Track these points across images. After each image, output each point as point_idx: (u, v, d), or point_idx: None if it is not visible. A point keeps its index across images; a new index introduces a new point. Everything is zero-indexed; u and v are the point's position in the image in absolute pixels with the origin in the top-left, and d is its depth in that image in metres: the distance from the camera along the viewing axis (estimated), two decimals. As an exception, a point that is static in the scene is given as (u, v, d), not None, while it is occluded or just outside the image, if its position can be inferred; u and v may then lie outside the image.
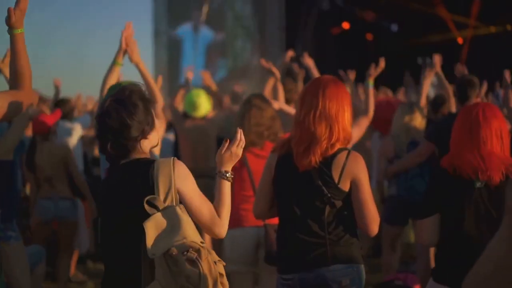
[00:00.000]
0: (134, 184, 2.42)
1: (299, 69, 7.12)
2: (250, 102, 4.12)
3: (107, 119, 2.44)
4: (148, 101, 2.52)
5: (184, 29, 18.80)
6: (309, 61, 6.17)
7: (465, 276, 2.93)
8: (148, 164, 2.41)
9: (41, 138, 5.44)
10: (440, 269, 3.02)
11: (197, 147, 6.14)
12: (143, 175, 2.39)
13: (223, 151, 2.55)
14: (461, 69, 5.73)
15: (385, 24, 15.01)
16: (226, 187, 2.57)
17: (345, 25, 14.87)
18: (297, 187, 2.94)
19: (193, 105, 6.26)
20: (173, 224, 2.30)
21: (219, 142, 6.70)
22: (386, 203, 5.62)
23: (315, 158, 2.87)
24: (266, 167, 3.11)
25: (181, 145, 6.38)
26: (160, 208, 2.33)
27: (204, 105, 6.28)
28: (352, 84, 6.91)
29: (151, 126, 2.50)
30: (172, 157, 2.45)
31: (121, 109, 2.44)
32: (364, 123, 4.46)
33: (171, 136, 7.40)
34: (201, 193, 2.49)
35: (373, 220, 2.90)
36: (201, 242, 2.31)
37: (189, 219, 2.36)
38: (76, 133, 6.71)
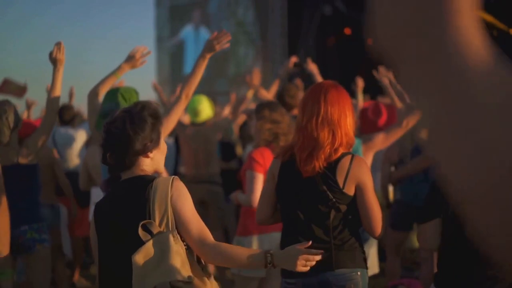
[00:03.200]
0: (130, 204, 2.40)
1: (300, 81, 7.18)
2: (273, 110, 4.10)
3: (112, 127, 2.44)
4: (157, 119, 2.49)
5: (186, 31, 18.84)
6: (312, 67, 6.18)
7: (466, 281, 2.92)
8: (146, 184, 2.38)
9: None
10: (442, 274, 3.02)
11: (199, 153, 6.15)
12: (140, 196, 2.37)
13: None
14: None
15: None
16: (256, 263, 2.40)
17: (347, 31, 14.89)
18: (301, 193, 2.95)
19: (194, 111, 6.27)
20: (162, 256, 2.27)
21: (223, 146, 6.72)
22: (391, 208, 5.62)
23: (319, 163, 2.88)
24: (269, 173, 3.12)
25: (182, 151, 6.39)
26: (154, 233, 2.30)
27: (205, 111, 6.30)
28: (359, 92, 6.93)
29: (155, 143, 2.47)
30: (172, 177, 2.41)
31: (127, 121, 2.43)
32: (396, 133, 4.23)
33: (170, 141, 7.40)
34: (197, 216, 2.41)
35: (378, 222, 2.92)
36: (188, 277, 2.27)
37: (180, 249, 2.30)
38: (81, 139, 6.72)
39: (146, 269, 2.26)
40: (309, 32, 14.87)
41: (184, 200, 2.36)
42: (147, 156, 2.47)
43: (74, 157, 6.33)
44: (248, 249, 2.39)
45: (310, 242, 2.29)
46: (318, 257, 2.28)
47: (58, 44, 3.99)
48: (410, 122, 4.12)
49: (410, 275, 6.01)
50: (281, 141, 4.02)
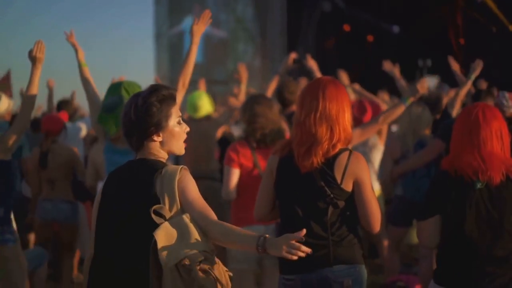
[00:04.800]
0: (138, 188, 2.41)
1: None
2: (255, 103, 4.17)
3: (123, 111, 2.48)
4: (165, 103, 2.45)
5: (187, 22, 18.86)
6: (312, 64, 6.18)
7: (466, 277, 2.93)
8: (153, 169, 2.40)
9: (51, 139, 5.46)
10: (441, 271, 3.02)
11: (198, 149, 6.14)
12: (148, 181, 2.38)
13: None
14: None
15: (386, 26, 15.04)
16: (248, 244, 2.35)
17: (346, 28, 14.89)
18: (299, 189, 2.95)
19: (194, 107, 6.27)
20: (183, 233, 2.29)
21: (223, 142, 6.73)
22: (391, 204, 5.61)
23: (317, 159, 2.88)
24: (267, 169, 3.12)
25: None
26: (167, 217, 2.32)
27: (205, 107, 6.29)
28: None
29: (159, 128, 2.44)
30: (181, 166, 2.41)
31: (133, 105, 2.44)
32: (371, 129, 4.23)
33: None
34: (201, 197, 2.42)
35: (377, 219, 2.92)
36: (211, 251, 2.32)
37: (197, 227, 2.33)
38: (80, 134, 6.72)
39: (169, 244, 2.28)
40: (309, 29, 14.87)
41: (189, 183, 2.39)
42: (152, 140, 2.46)
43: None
44: (247, 230, 2.38)
45: (305, 230, 2.29)
46: (307, 250, 2.28)
47: (39, 43, 3.94)
48: (386, 118, 4.14)
49: (409, 271, 6.02)
50: (257, 134, 4.05)
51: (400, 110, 4.18)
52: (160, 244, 2.27)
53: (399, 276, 5.47)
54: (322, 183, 2.88)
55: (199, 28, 3.93)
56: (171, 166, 2.42)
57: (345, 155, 2.90)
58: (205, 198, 5.65)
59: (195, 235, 2.30)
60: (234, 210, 4.22)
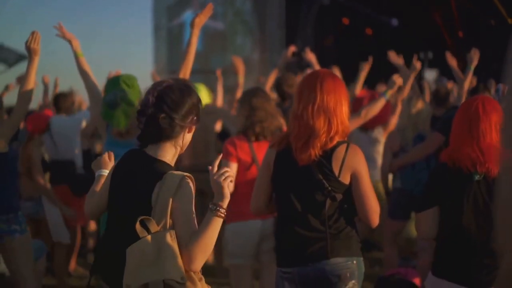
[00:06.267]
0: (138, 191, 2.40)
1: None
2: (253, 97, 4.17)
3: (149, 96, 2.45)
4: (172, 113, 2.43)
5: (187, 15, 18.86)
6: (311, 56, 6.17)
7: (463, 269, 2.93)
8: (158, 175, 2.36)
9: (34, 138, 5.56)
10: (439, 263, 3.02)
11: (197, 143, 6.12)
12: (148, 186, 2.35)
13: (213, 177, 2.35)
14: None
15: (385, 19, 15.02)
16: (216, 223, 2.31)
17: (345, 21, 14.86)
18: (297, 182, 2.94)
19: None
20: (159, 252, 2.26)
21: (223, 136, 6.71)
22: (390, 197, 5.61)
23: (315, 151, 2.87)
24: (264, 162, 3.11)
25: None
26: (152, 231, 2.28)
27: (203, 99, 6.28)
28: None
29: (169, 135, 2.46)
30: (182, 176, 2.35)
31: (148, 105, 2.43)
32: (353, 122, 4.23)
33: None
34: (193, 220, 2.33)
35: (374, 211, 2.91)
36: (181, 278, 2.26)
37: (176, 248, 2.27)
38: (77, 127, 6.69)
39: (140, 263, 2.26)
40: (307, 22, 14.84)
41: (184, 197, 2.32)
42: (171, 142, 2.48)
43: (69, 146, 6.29)
44: (206, 223, 2.31)
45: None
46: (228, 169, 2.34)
47: (33, 34, 3.89)
48: (368, 113, 4.25)
49: (407, 264, 6.03)
50: (256, 127, 4.05)
51: (381, 104, 4.36)
52: (129, 262, 2.26)
53: (397, 269, 5.47)
54: (320, 176, 2.88)
55: (201, 20, 3.94)
56: (172, 175, 2.35)
57: (342, 147, 2.90)
58: (203, 192, 5.63)
59: (171, 257, 2.26)
60: (231, 205, 4.21)
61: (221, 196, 2.32)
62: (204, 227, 2.29)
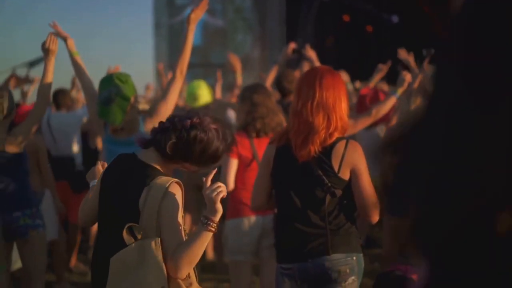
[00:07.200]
0: (127, 195, 2.40)
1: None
2: (254, 93, 4.16)
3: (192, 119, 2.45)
4: (211, 151, 2.49)
5: (187, 11, 18.91)
6: (311, 53, 6.17)
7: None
8: (147, 179, 2.37)
9: None
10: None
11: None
12: (136, 192, 2.36)
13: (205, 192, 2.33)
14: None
15: (385, 16, 15.01)
16: (205, 236, 2.31)
17: (346, 18, 14.85)
18: (297, 178, 2.95)
19: (193, 96, 6.27)
20: (141, 261, 2.28)
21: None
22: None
23: (314, 148, 2.88)
24: (264, 158, 3.12)
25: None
26: (138, 238, 2.30)
27: (204, 96, 6.29)
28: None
29: (182, 160, 2.49)
30: (170, 182, 2.35)
31: (196, 133, 2.44)
32: (364, 122, 4.25)
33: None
34: (178, 229, 2.34)
35: (374, 208, 2.91)
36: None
37: (160, 256, 2.29)
38: (76, 124, 6.69)
39: (121, 275, 2.28)
40: (308, 19, 14.84)
41: (170, 204, 2.33)
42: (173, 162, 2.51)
43: (68, 142, 6.30)
44: (196, 236, 2.32)
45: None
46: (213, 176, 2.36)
47: (50, 35, 4.03)
48: (379, 111, 4.17)
49: (406, 261, 6.02)
50: (258, 123, 4.05)
51: (392, 102, 4.25)
52: (111, 272, 2.29)
53: (397, 266, 5.47)
54: (319, 172, 2.88)
55: (197, 15, 3.96)
56: (159, 180, 2.36)
57: (342, 143, 2.90)
58: (200, 187, 5.63)
59: (154, 266, 2.28)
60: (231, 201, 4.22)
61: (213, 211, 2.31)
62: (193, 239, 2.31)
